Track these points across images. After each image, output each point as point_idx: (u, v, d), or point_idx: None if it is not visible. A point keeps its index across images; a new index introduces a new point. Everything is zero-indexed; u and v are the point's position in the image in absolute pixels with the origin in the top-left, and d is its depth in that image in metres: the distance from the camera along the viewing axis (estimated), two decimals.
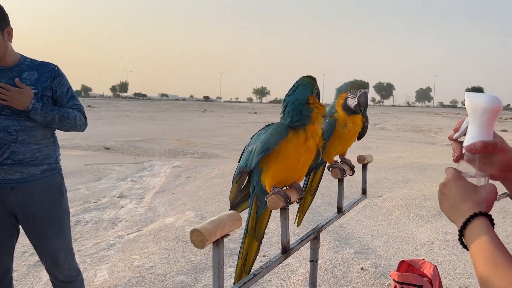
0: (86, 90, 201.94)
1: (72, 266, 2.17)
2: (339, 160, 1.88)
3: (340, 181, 1.86)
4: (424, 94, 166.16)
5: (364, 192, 2.15)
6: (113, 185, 6.61)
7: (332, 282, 3.26)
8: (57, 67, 2.07)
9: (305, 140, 1.39)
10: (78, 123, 2.08)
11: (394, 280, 2.70)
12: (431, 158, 9.96)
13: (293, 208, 1.88)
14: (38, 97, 1.95)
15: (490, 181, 0.86)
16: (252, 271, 1.45)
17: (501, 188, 0.87)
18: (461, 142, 0.87)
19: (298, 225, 2.09)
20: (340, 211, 1.92)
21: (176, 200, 5.72)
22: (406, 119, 34.85)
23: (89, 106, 45.02)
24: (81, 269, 3.35)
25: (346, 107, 1.75)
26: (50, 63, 2.06)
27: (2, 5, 1.88)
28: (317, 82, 1.49)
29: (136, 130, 17.38)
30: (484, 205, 0.78)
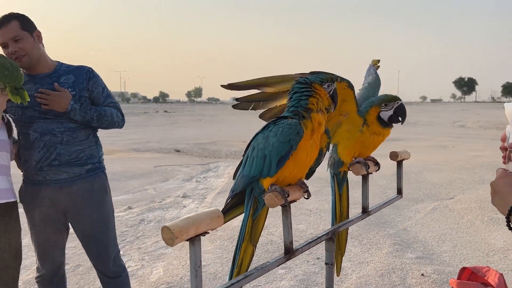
0: (163, 96, 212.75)
1: (117, 263, 2.23)
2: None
3: (364, 178, 1.70)
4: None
5: (399, 191, 1.94)
6: (178, 185, 6.84)
7: None
8: (91, 68, 2.18)
9: (312, 130, 1.29)
10: (115, 120, 2.17)
11: None
12: None
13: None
14: (76, 98, 2.06)
15: None
16: (251, 269, 1.36)
17: None
18: None
19: (337, 274, 1.83)
20: (365, 211, 1.75)
21: None
22: (490, 116, 32.26)
23: (166, 111, 47.30)
24: (139, 266, 3.52)
25: (381, 120, 1.67)
26: (84, 66, 2.18)
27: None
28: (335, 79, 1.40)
29: (206, 133, 17.89)
30: None
